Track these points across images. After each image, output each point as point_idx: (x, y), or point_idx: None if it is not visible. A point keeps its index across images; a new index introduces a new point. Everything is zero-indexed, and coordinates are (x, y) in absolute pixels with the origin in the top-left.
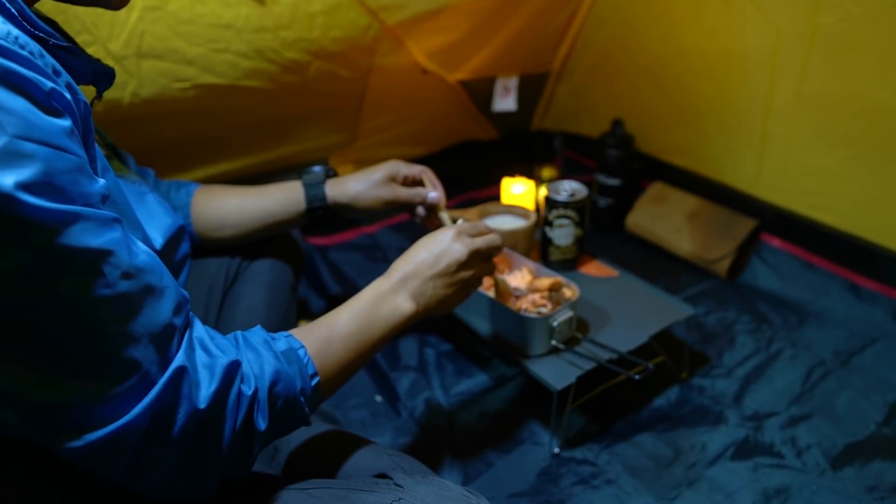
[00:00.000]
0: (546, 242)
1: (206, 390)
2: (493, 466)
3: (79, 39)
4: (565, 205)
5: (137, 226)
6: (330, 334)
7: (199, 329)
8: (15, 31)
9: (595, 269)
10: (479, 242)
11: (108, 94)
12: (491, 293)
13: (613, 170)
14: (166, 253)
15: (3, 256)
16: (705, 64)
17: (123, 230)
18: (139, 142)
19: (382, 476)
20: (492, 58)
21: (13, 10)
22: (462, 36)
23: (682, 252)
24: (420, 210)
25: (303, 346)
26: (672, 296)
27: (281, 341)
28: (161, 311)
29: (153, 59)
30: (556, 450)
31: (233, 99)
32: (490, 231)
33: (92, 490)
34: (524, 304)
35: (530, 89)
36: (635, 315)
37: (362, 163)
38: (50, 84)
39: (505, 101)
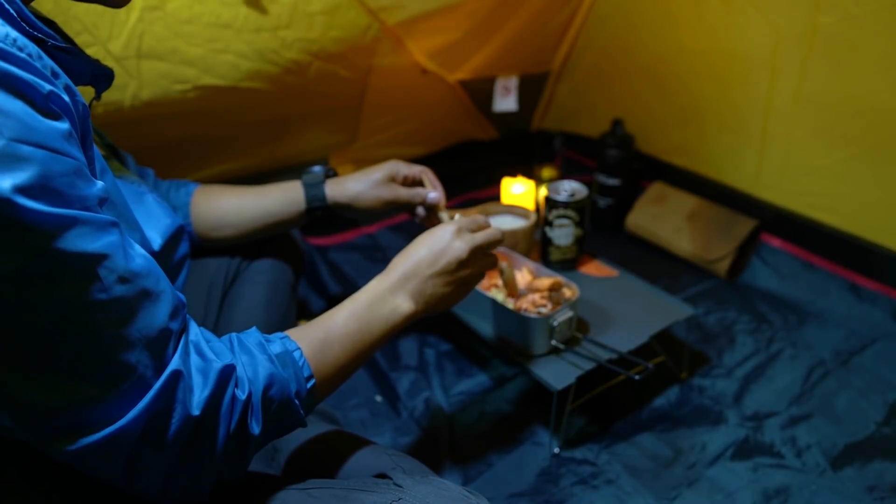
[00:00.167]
0: (546, 242)
1: (199, 395)
2: (493, 466)
3: (79, 40)
4: (565, 205)
5: (136, 226)
6: (327, 335)
7: (195, 333)
8: (13, 34)
9: (595, 269)
10: (480, 238)
11: (109, 97)
12: (491, 293)
13: (613, 170)
14: (165, 253)
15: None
16: (705, 64)
17: (121, 234)
18: (139, 142)
19: (382, 476)
20: (492, 58)
21: (11, 11)
22: (462, 36)
23: (682, 252)
24: (420, 210)
25: (298, 349)
26: (672, 296)
27: (276, 343)
28: (157, 316)
29: (153, 60)
30: (556, 450)
31: (233, 100)
32: (489, 225)
33: (91, 490)
34: (524, 304)
35: (530, 89)
36: (635, 315)
37: (362, 163)
38: (48, 87)
39: (505, 101)
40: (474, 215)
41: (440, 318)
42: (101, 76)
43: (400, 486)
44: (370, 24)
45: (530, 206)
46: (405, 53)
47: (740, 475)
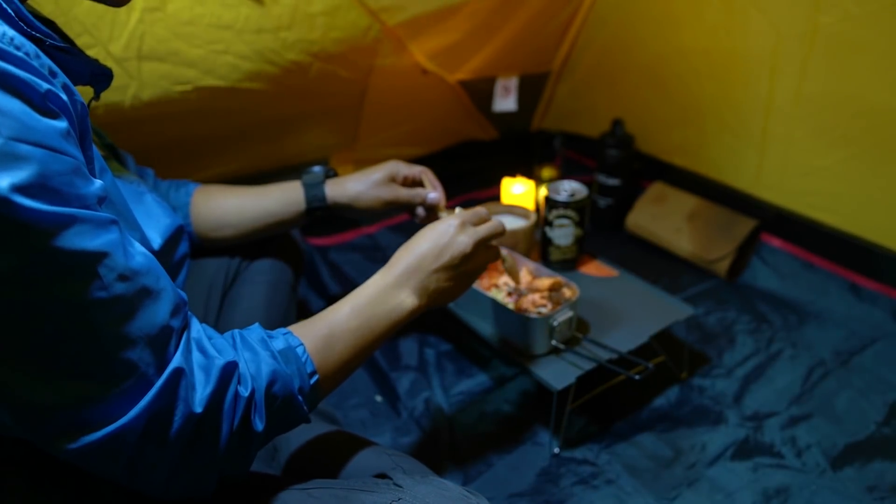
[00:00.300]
0: (546, 242)
1: (201, 392)
2: (493, 466)
3: (79, 41)
4: (565, 205)
5: (135, 226)
6: (330, 331)
7: (197, 329)
8: (11, 32)
9: (595, 269)
10: (483, 231)
11: (109, 97)
12: (491, 293)
13: (613, 170)
14: (165, 253)
15: None
16: (705, 64)
17: (120, 232)
18: (139, 142)
19: (382, 476)
20: (492, 58)
21: (9, 11)
22: (462, 36)
23: (682, 252)
24: (420, 210)
25: (301, 344)
26: (672, 296)
27: (279, 339)
28: (158, 314)
29: (154, 61)
30: (556, 450)
31: (234, 100)
32: (490, 217)
33: (91, 491)
34: (524, 304)
35: (530, 89)
36: (635, 315)
37: (363, 163)
38: (46, 85)
39: (505, 102)
40: (476, 208)
41: (440, 318)
42: (99, 76)
43: (400, 487)
44: (371, 24)
45: (530, 206)
46: (406, 54)
47: (740, 475)
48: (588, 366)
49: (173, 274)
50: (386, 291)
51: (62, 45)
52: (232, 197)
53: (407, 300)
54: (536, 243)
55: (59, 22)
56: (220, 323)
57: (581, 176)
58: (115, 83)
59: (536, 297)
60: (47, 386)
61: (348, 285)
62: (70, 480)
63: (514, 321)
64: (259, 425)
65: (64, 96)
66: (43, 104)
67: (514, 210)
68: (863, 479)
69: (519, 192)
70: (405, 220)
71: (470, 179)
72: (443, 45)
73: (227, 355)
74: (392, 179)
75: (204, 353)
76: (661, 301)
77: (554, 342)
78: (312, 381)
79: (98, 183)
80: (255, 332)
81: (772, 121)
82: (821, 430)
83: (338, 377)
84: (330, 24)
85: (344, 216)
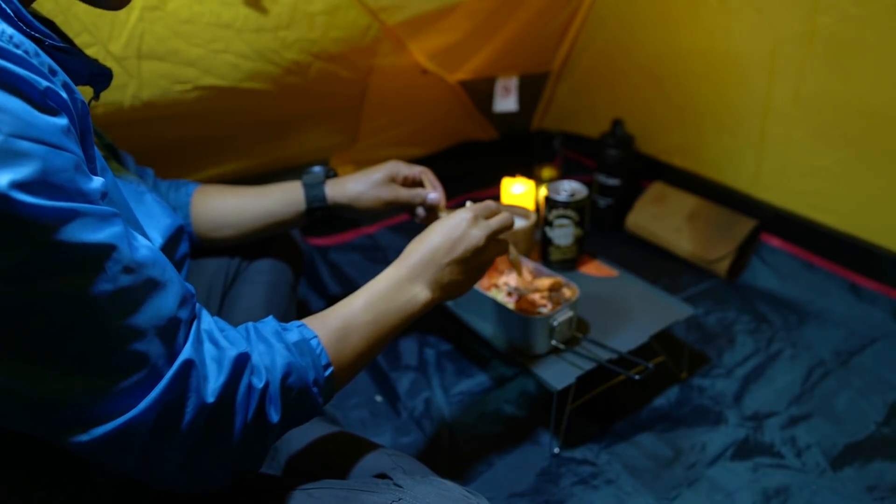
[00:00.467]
0: (546, 242)
1: (214, 383)
2: (493, 466)
3: (78, 40)
4: (565, 205)
5: (136, 226)
6: (345, 324)
7: (208, 321)
8: (10, 30)
9: (595, 269)
10: (495, 224)
11: (109, 97)
12: (491, 293)
13: (613, 170)
14: (165, 253)
15: (2, 256)
16: (704, 64)
17: (124, 225)
18: (139, 142)
19: (382, 476)
20: (492, 58)
21: (9, 10)
22: (462, 36)
23: (682, 252)
24: (420, 211)
25: (316, 337)
26: (672, 296)
27: (293, 332)
28: (165, 305)
29: (154, 60)
30: (556, 450)
31: (234, 100)
32: (500, 210)
33: (92, 490)
34: (524, 304)
35: (530, 89)
36: (635, 315)
37: (363, 163)
38: (45, 83)
39: (505, 102)
40: (486, 202)
41: (440, 318)
42: (99, 76)
43: (400, 487)
44: (370, 24)
45: (530, 206)
46: (405, 54)
47: (740, 475)
48: (588, 366)
49: None
50: (400, 285)
51: (61, 45)
52: (232, 197)
53: (421, 293)
54: (536, 243)
55: (59, 20)
56: None
57: (581, 176)
58: (114, 82)
59: (536, 297)
60: (57, 380)
61: (348, 285)
62: (70, 479)
63: (514, 321)
64: (275, 417)
65: (64, 94)
66: (42, 101)
67: (514, 210)
68: (863, 479)
69: (519, 192)
70: (405, 220)
71: (470, 179)
72: (443, 44)
73: (240, 346)
74: (392, 179)
75: (216, 345)
76: (661, 301)
77: (554, 342)
78: (327, 374)
79: (99, 180)
80: (270, 324)
81: (770, 121)
82: (821, 430)
83: (352, 370)
84: (329, 23)
85: (344, 216)
